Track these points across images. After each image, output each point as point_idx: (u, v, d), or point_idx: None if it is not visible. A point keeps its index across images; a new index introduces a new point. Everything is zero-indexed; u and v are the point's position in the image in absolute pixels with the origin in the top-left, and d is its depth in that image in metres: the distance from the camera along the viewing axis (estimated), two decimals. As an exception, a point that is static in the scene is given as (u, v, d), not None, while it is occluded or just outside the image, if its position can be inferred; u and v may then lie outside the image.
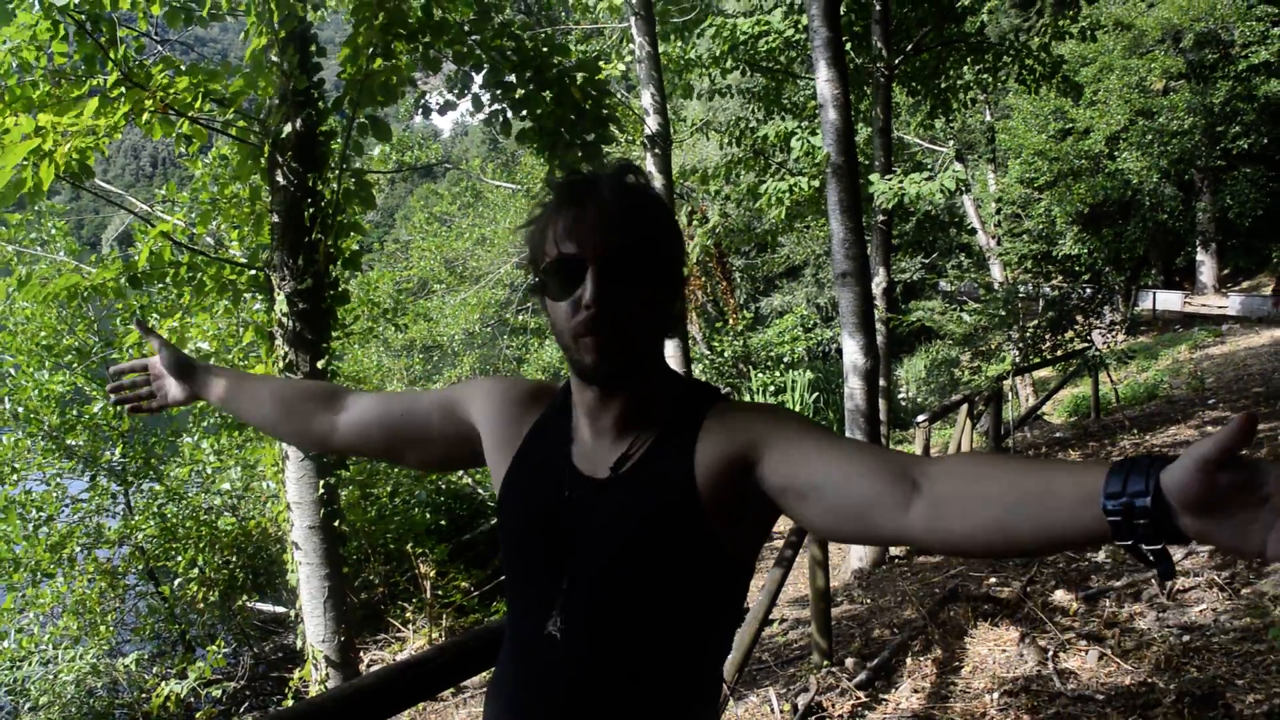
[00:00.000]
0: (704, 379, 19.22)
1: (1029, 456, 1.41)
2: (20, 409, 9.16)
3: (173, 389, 1.89)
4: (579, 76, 5.63)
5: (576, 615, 1.32)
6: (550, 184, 1.40)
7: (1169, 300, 29.25)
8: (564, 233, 1.29)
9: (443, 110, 5.99)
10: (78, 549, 9.05)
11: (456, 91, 5.92)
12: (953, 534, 1.09)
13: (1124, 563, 6.06)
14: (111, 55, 4.86)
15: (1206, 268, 29.94)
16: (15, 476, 9.15)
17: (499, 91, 5.69)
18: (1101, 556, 6.31)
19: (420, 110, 6.58)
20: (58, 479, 9.50)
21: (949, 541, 1.10)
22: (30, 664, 8.06)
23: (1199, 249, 29.98)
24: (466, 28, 5.49)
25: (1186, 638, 4.57)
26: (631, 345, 1.32)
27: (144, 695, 8.04)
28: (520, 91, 5.61)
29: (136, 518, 9.59)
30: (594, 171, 1.36)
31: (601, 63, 10.29)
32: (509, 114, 5.76)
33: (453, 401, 1.58)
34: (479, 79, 5.69)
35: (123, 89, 4.85)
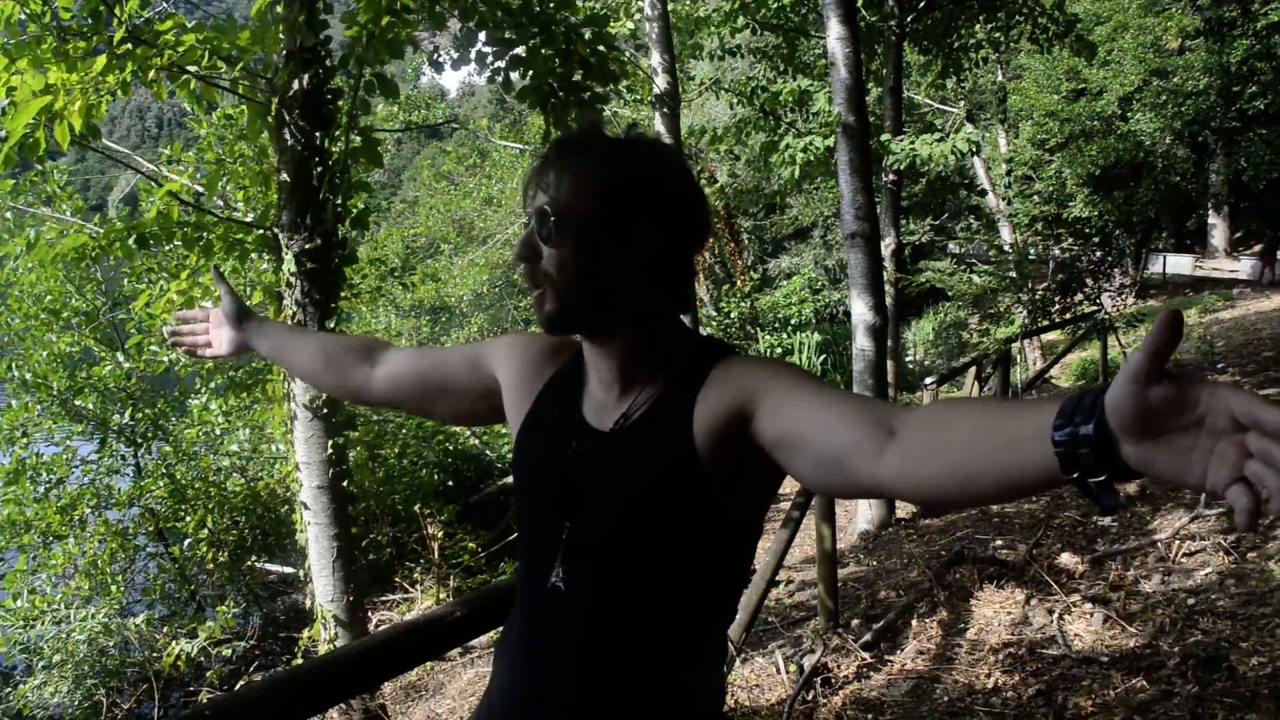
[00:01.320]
0: (711, 341, 19.26)
1: (1003, 399, 1.36)
2: (29, 375, 9.18)
3: (225, 340, 1.94)
4: (586, 32, 5.57)
5: (577, 568, 1.33)
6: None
7: (1179, 263, 29.07)
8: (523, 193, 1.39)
9: (456, 65, 5.93)
10: (88, 510, 9.11)
11: (461, 49, 5.87)
12: (921, 481, 1.05)
13: (1130, 526, 6.07)
14: (117, 12, 4.82)
15: (1218, 231, 29.73)
16: (25, 440, 9.19)
17: (500, 49, 5.64)
18: (1108, 520, 6.32)
19: (432, 66, 6.53)
20: (67, 442, 9.54)
21: (918, 489, 1.07)
22: (43, 623, 8.15)
23: (1211, 212, 29.75)
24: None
25: (1191, 601, 4.58)
26: (562, 300, 1.33)
27: (155, 654, 8.13)
28: (522, 49, 5.55)
29: (146, 479, 9.64)
30: (568, 132, 1.44)
31: (611, 20, 10.21)
32: (513, 73, 5.71)
33: (479, 355, 1.62)
34: (483, 36, 5.63)
35: (129, 46, 4.81)
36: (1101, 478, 0.88)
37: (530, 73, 5.57)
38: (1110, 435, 0.86)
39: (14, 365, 9.22)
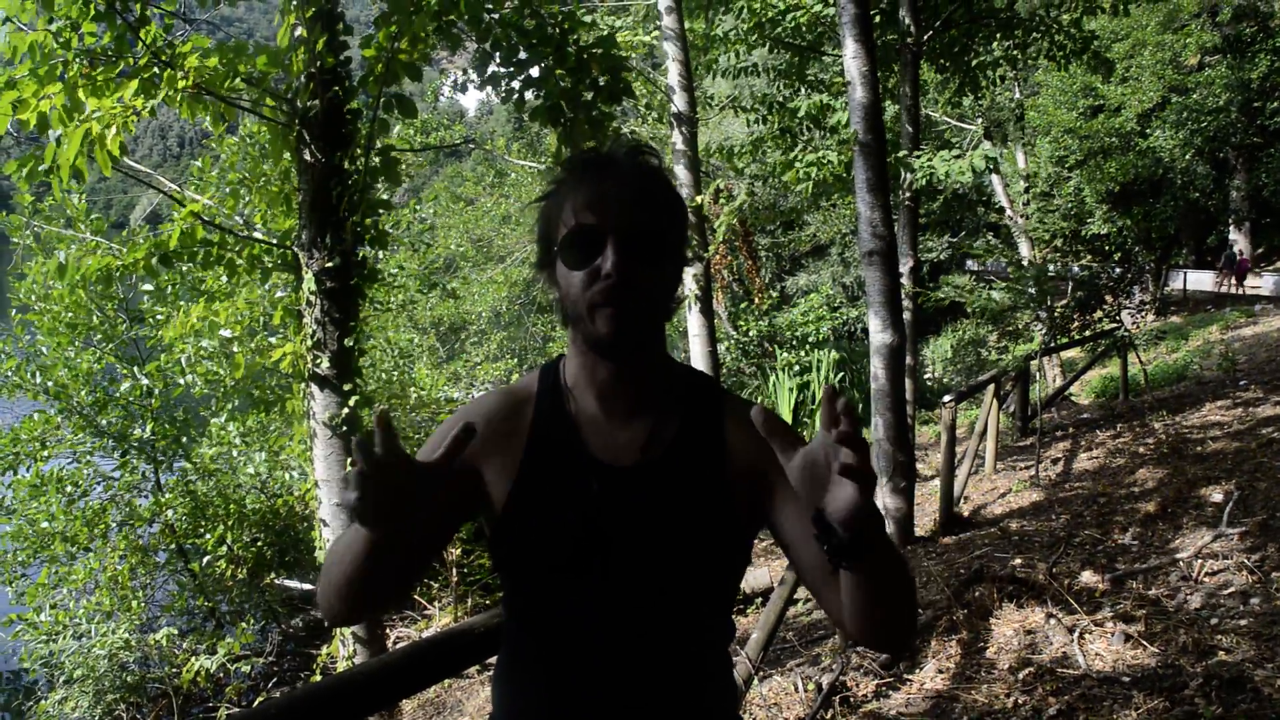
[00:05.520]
0: (729, 357, 19.20)
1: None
2: (49, 384, 9.23)
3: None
4: (597, 52, 5.63)
5: (633, 603, 1.36)
6: (566, 160, 1.43)
7: (1200, 280, 28.90)
8: (584, 204, 1.32)
9: (481, 87, 5.98)
10: (112, 525, 9.16)
11: (477, 70, 5.93)
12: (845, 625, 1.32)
13: (1151, 544, 6.03)
14: (141, 36, 4.89)
15: (1239, 247, 29.54)
16: (46, 453, 9.26)
17: (513, 70, 5.71)
18: (1128, 538, 6.27)
19: (459, 88, 6.63)
20: (88, 457, 9.60)
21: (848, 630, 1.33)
22: (65, 638, 8.19)
23: (1232, 228, 29.58)
24: (488, 4, 5.47)
25: (1214, 620, 4.54)
26: (647, 317, 1.36)
27: (175, 670, 8.16)
28: (535, 70, 5.62)
29: (166, 495, 9.68)
30: (610, 149, 1.39)
31: (628, 34, 10.28)
32: (527, 93, 5.77)
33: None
34: (498, 57, 5.69)
35: (155, 69, 4.88)
36: (844, 555, 1.16)
37: (543, 92, 5.63)
38: (825, 525, 1.15)
39: (37, 372, 9.27)
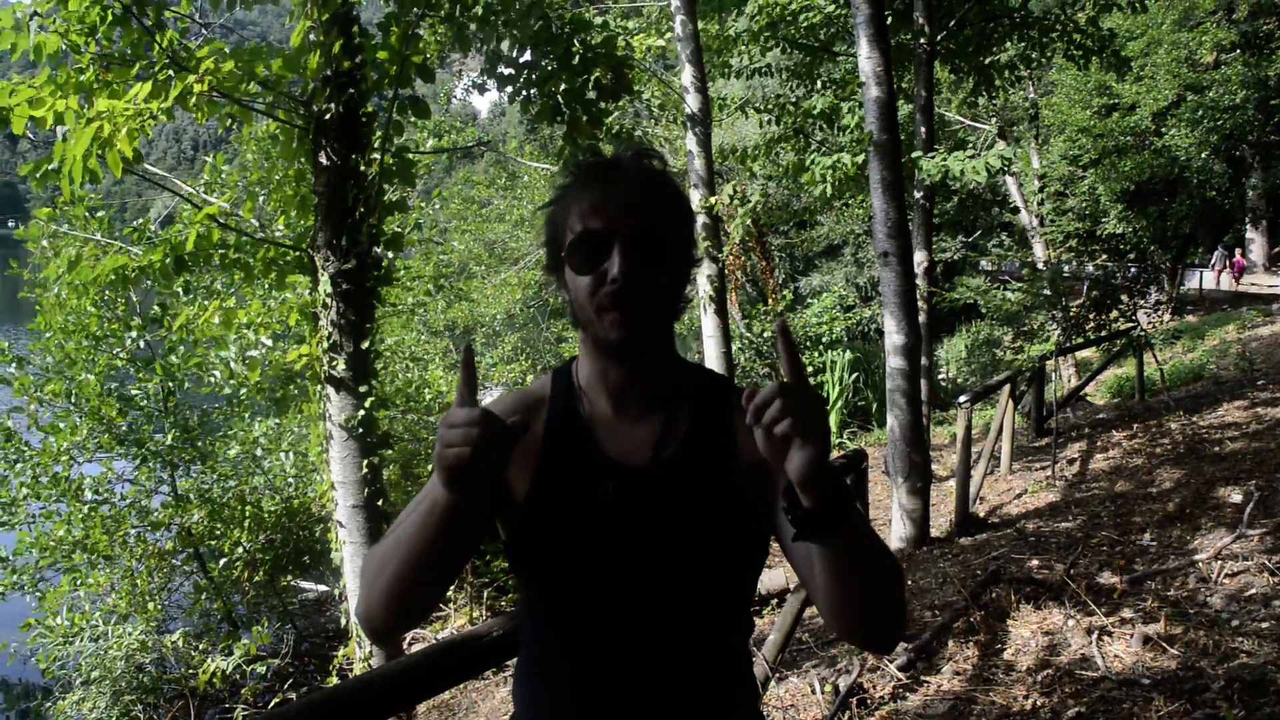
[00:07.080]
0: (744, 358, 19.19)
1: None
2: (84, 403, 9.24)
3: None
4: (602, 53, 5.64)
5: (652, 600, 1.36)
6: (572, 164, 1.45)
7: (1215, 279, 28.75)
8: (590, 208, 1.34)
9: (501, 86, 5.98)
10: (130, 531, 9.18)
11: (487, 70, 5.94)
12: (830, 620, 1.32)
13: (1169, 545, 5.99)
14: (157, 39, 4.91)
15: (1256, 246, 29.40)
16: (69, 462, 9.27)
17: (516, 71, 5.74)
18: (1146, 539, 6.24)
19: (477, 89, 6.67)
20: (109, 463, 9.62)
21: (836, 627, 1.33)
22: (82, 640, 8.21)
23: (1248, 226, 29.39)
24: (497, 5, 5.48)
25: (1235, 622, 4.50)
26: (653, 320, 1.37)
27: (191, 671, 8.18)
28: (538, 73, 5.64)
29: (183, 501, 9.67)
30: (616, 153, 1.41)
31: (641, 35, 10.29)
32: (532, 92, 5.78)
33: None
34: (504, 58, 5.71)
35: (170, 73, 4.90)
36: (793, 520, 1.17)
37: (546, 93, 5.66)
38: (788, 489, 1.17)
39: (71, 388, 9.26)
